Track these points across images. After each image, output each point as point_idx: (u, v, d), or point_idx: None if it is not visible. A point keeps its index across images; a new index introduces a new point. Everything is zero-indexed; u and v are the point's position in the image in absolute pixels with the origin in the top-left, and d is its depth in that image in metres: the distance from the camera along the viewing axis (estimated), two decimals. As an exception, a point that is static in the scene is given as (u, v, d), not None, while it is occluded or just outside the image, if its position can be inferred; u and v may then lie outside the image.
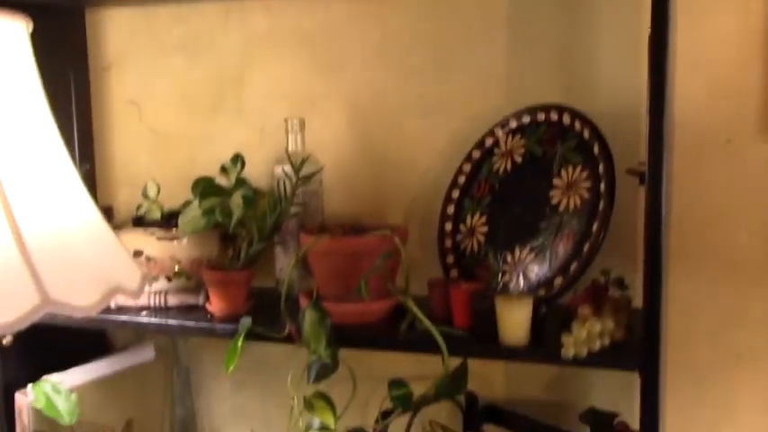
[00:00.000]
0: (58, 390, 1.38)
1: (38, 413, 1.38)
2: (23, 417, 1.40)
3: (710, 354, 1.28)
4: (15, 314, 0.94)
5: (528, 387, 1.42)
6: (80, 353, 1.53)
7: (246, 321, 1.19)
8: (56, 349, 1.51)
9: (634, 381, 1.28)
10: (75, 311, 1.00)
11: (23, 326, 0.95)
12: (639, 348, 1.04)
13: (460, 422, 1.39)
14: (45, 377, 1.40)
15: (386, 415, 1.20)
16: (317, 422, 1.10)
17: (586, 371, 1.35)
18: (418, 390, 1.16)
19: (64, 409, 1.37)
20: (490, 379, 1.43)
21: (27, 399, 1.38)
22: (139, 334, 1.66)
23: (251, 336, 1.20)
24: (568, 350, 1.05)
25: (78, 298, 1.01)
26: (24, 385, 1.41)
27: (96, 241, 1.09)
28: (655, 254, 1.01)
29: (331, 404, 1.11)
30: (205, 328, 1.28)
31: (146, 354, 1.60)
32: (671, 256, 1.24)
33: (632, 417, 1.22)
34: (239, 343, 1.17)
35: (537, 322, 1.11)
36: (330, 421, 1.10)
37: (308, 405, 1.10)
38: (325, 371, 1.12)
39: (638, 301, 1.11)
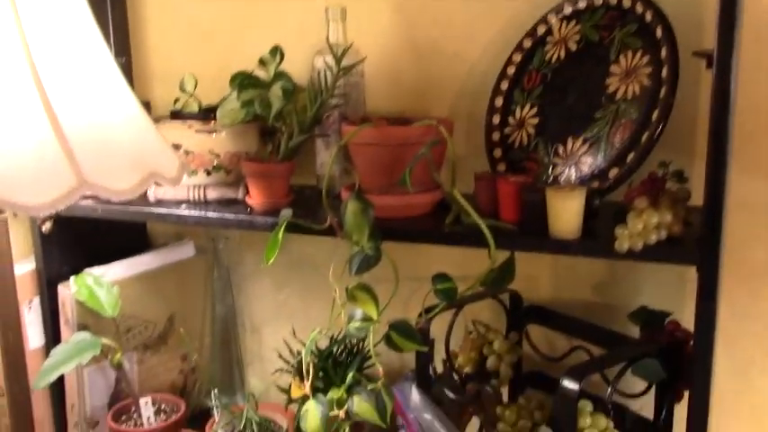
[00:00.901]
0: (100, 282, 1.38)
1: (81, 306, 1.38)
2: (67, 309, 1.40)
3: (769, 255, 1.22)
4: (52, 195, 0.92)
5: (575, 288, 1.38)
6: (121, 249, 1.53)
7: (287, 212, 1.16)
8: (97, 244, 1.51)
9: (687, 282, 1.25)
10: (112, 195, 0.98)
11: (60, 207, 0.93)
12: (699, 243, 0.99)
13: (504, 322, 1.36)
14: (87, 270, 1.40)
15: (429, 311, 1.18)
16: (359, 313, 1.08)
17: (636, 271, 1.30)
18: (461, 289, 1.13)
19: (106, 301, 1.37)
20: (536, 279, 1.40)
21: (70, 291, 1.39)
22: (179, 231, 1.66)
23: (291, 228, 1.17)
24: (623, 243, 1.00)
25: (115, 182, 0.99)
26: (67, 278, 1.41)
27: (134, 128, 1.06)
28: (719, 144, 0.95)
29: (373, 296, 1.08)
30: (244, 221, 1.25)
31: (186, 251, 1.59)
32: (735, 149, 1.17)
33: (684, 319, 1.18)
34: (280, 234, 1.14)
35: (589, 215, 1.06)
36: (373, 312, 1.07)
37: (351, 296, 1.08)
38: (367, 262, 1.09)
39: (696, 197, 1.05)
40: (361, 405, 1.08)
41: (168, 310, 1.55)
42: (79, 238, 1.50)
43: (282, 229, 1.15)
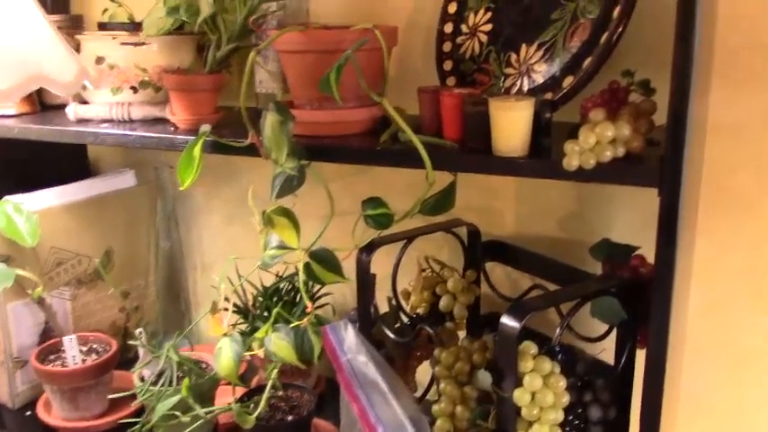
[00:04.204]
0: (19, 210, 1.27)
1: (1, 238, 1.27)
2: (-14, 238, 1.29)
3: (754, 183, 1.07)
4: None
5: (539, 222, 1.24)
6: (59, 177, 1.41)
7: (205, 128, 1.03)
8: (32, 171, 1.40)
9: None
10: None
11: None
12: (661, 161, 0.84)
13: (461, 259, 1.23)
14: (6, 197, 1.29)
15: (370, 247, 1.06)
16: (275, 240, 0.95)
17: (606, 202, 1.16)
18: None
19: (26, 230, 1.25)
20: (496, 212, 1.27)
21: (-12, 219, 1.27)
22: (125, 160, 1.54)
23: (212, 147, 1.05)
24: (572, 159, 0.86)
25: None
26: (-9, 206, 1.30)
27: (23, 29, 0.93)
28: (684, 46, 0.80)
29: (293, 221, 0.96)
30: (164, 140, 1.12)
31: (126, 179, 1.48)
32: (716, 65, 1.02)
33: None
34: (195, 151, 1.01)
35: (540, 131, 0.92)
36: (292, 239, 0.95)
37: (267, 220, 0.95)
38: (289, 185, 0.96)
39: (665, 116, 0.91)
40: (278, 344, 0.96)
41: (105, 244, 1.44)
42: (11, 164, 1.39)
43: (200, 147, 1.02)
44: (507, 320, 0.90)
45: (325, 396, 1.33)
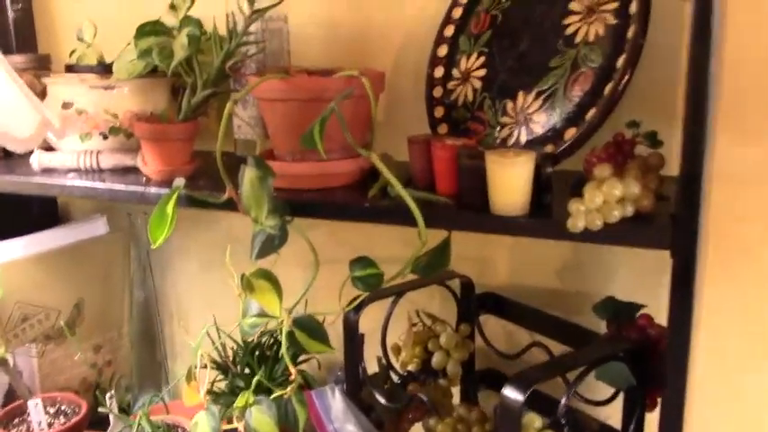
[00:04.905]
0: (-19, 264, 1.18)
1: (-39, 292, 1.18)
2: (-55, 295, 1.21)
3: (762, 232, 1.01)
4: None
5: (536, 273, 1.17)
6: (28, 226, 1.33)
7: (179, 182, 0.96)
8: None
9: (665, 269, 1.05)
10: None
11: None
12: (673, 221, 0.78)
13: (455, 313, 1.16)
14: (-34, 252, 1.20)
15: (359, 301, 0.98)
16: (254, 307, 0.88)
17: (606, 254, 1.10)
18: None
19: (-12, 286, 1.17)
20: (491, 263, 1.20)
21: (-53, 276, 1.19)
22: (97, 207, 1.46)
23: (187, 202, 0.97)
24: (577, 221, 0.79)
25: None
26: (-51, 260, 1.22)
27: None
28: (698, 95, 0.74)
29: (276, 285, 0.88)
30: (135, 193, 1.05)
31: (97, 227, 1.40)
32: (723, 109, 0.96)
33: (660, 313, 0.98)
34: (168, 208, 0.93)
35: (541, 187, 0.86)
36: (274, 305, 0.87)
37: (247, 285, 0.88)
38: (270, 244, 0.89)
39: (673, 167, 0.85)
40: (259, 419, 0.89)
41: (75, 296, 1.35)
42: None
43: (173, 203, 0.94)
44: (510, 392, 0.83)
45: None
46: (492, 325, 1.18)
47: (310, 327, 0.87)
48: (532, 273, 1.18)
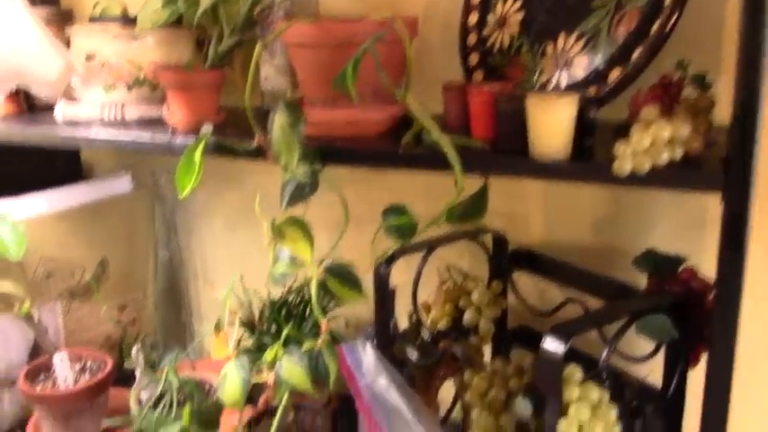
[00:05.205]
0: (4, 219, 1.16)
1: (-14, 248, 1.17)
2: (-31, 251, 1.19)
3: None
4: None
5: (571, 227, 1.14)
6: (50, 183, 1.31)
7: (207, 129, 0.93)
8: (19, 175, 1.29)
9: (709, 219, 1.02)
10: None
11: None
12: (725, 163, 0.75)
13: (486, 269, 1.13)
14: (-10, 204, 1.19)
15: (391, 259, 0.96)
16: (285, 255, 0.85)
17: (647, 205, 1.06)
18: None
19: (10, 241, 1.15)
20: (525, 218, 1.17)
21: (-29, 230, 1.17)
22: (120, 163, 1.43)
23: (214, 150, 0.95)
24: (624, 163, 0.76)
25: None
26: (-27, 215, 1.20)
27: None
28: (755, 35, 0.70)
29: (306, 233, 0.86)
30: (162, 144, 1.02)
31: (121, 184, 1.37)
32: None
33: (703, 266, 0.94)
34: (195, 156, 0.91)
35: (583, 131, 0.82)
36: (306, 252, 0.84)
37: (278, 232, 0.85)
38: (300, 192, 0.86)
39: (723, 113, 0.81)
40: (290, 369, 0.86)
41: (99, 254, 1.34)
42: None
43: (200, 151, 0.92)
44: (550, 343, 0.80)
45: (339, 414, 1.22)
46: (524, 283, 1.15)
47: (343, 274, 0.85)
48: (567, 228, 1.14)
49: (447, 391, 1.14)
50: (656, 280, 0.94)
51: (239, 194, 1.38)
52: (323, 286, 0.85)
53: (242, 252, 1.40)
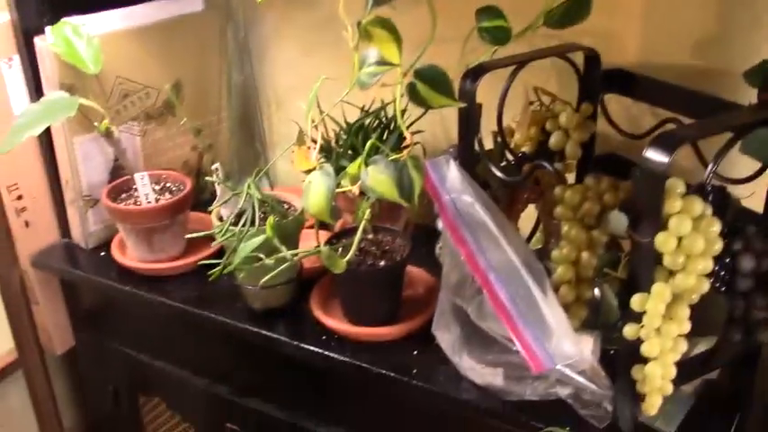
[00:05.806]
0: (79, 33, 1.14)
1: (61, 62, 1.15)
2: (46, 66, 1.17)
3: None
4: None
5: (672, 47, 1.06)
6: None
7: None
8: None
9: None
10: None
11: None
12: None
13: (576, 92, 1.07)
14: (64, 19, 1.16)
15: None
16: (373, 54, 0.81)
17: (752, 21, 0.98)
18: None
19: (87, 55, 1.13)
20: (620, 36, 1.09)
21: (47, 44, 1.15)
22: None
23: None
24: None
25: None
26: (46, 30, 1.17)
27: None
28: None
29: (394, 32, 0.80)
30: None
31: (193, 3, 1.33)
32: None
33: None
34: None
35: None
36: (393, 54, 0.80)
37: (364, 33, 0.80)
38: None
39: None
40: (376, 178, 0.84)
41: (173, 75, 1.31)
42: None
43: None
44: (653, 153, 0.75)
45: (416, 241, 1.22)
46: (616, 107, 1.08)
47: (434, 77, 0.80)
48: (667, 48, 1.06)
49: (526, 220, 1.12)
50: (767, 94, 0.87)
51: (312, 16, 1.33)
52: (411, 91, 0.80)
53: (316, 76, 1.35)
